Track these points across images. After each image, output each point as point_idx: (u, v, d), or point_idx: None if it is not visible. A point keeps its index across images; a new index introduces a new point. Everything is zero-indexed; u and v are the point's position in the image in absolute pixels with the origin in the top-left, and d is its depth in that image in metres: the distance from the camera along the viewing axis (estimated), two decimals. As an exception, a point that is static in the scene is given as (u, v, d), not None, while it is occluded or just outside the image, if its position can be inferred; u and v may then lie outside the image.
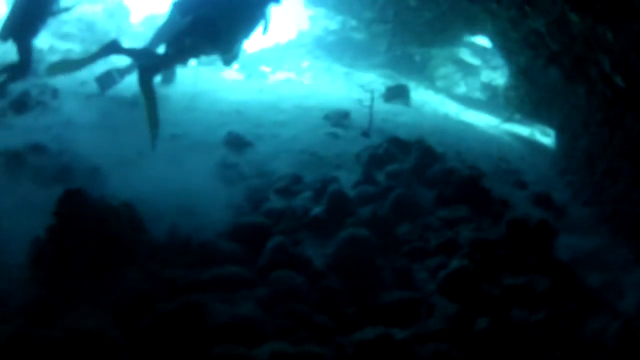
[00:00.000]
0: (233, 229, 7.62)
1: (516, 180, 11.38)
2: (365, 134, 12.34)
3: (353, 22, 21.01)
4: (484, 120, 18.63)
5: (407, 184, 9.68)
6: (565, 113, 12.59)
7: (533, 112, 15.77)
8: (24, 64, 11.65)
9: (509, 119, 18.04)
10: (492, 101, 20.20)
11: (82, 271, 6.00)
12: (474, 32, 18.07)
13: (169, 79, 14.39)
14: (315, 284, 6.54)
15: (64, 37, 17.50)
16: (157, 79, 14.24)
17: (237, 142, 10.79)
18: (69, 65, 12.36)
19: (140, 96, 10.50)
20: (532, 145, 16.53)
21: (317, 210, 8.30)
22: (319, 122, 12.72)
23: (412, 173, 10.27)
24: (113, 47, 11.66)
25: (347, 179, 9.75)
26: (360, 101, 15.10)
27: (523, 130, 18.03)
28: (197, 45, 11.30)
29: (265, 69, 18.68)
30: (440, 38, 18.61)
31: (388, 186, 9.36)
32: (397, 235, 8.17)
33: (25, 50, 11.59)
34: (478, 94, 20.52)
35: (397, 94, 17.00)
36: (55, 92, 11.98)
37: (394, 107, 15.70)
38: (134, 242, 6.71)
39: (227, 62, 12.63)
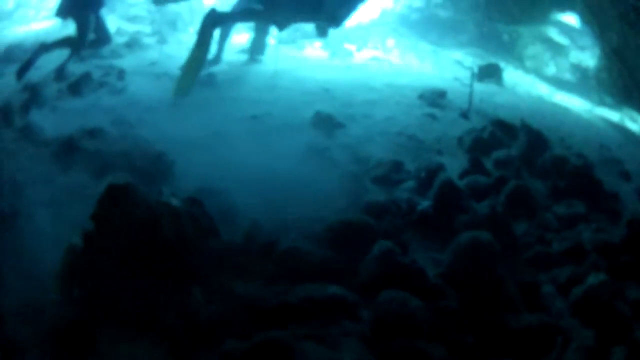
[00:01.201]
0: (327, 230, 6.10)
1: (620, 171, 9.85)
2: (465, 115, 10.83)
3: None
4: (576, 104, 16.83)
5: (517, 173, 8.19)
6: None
7: (626, 96, 14.17)
8: (82, 41, 10.78)
9: (600, 103, 16.26)
10: (582, 83, 18.30)
11: (127, 288, 4.57)
12: (563, 9, 16.27)
13: (257, 55, 13.18)
14: (430, 304, 5.04)
15: (132, 19, 16.28)
16: (245, 56, 13.09)
17: (326, 123, 9.39)
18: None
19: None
20: (625, 132, 14.73)
21: (424, 204, 6.88)
22: (414, 102, 11.26)
23: (522, 161, 8.73)
24: (214, 16, 10.33)
25: (451, 166, 8.30)
26: (457, 80, 13.65)
27: (613, 115, 16.16)
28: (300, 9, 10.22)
29: (350, 47, 17.13)
30: (528, 14, 16.85)
31: (500, 177, 7.86)
32: (516, 237, 6.70)
33: (83, 27, 10.65)
34: (568, 76, 18.64)
35: (489, 73, 15.37)
36: (121, 73, 10.93)
37: (488, 87, 14.07)
38: (199, 249, 5.17)
39: (325, 32, 11.26)
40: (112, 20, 14.19)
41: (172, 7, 16.89)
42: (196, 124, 8.70)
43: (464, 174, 8.13)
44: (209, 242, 5.37)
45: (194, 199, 5.60)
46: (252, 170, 7.13)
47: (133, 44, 13.37)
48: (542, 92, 17.05)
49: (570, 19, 17.75)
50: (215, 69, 11.77)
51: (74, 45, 10.67)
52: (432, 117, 10.47)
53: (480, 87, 13.76)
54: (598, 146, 10.91)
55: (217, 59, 12.20)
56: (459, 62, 14.55)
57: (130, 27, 15.32)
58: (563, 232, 7.14)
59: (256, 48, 13.22)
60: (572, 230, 7.18)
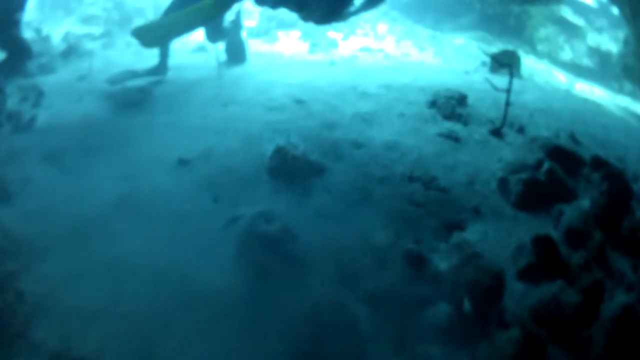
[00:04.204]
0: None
1: None
2: (497, 132, 6.76)
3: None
4: (597, 93, 13.04)
5: (599, 253, 4.34)
6: None
7: None
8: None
9: (620, 91, 13.16)
10: (602, 69, 14.38)
11: None
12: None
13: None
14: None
15: (88, 20, 12.47)
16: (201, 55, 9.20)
17: (293, 170, 5.24)
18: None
19: None
20: None
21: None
22: (424, 112, 7.16)
23: (601, 224, 4.79)
24: None
25: (497, 238, 4.59)
26: (468, 73, 9.66)
27: (634, 105, 12.51)
28: None
29: (335, 35, 12.87)
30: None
31: (587, 286, 3.89)
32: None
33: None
34: (586, 61, 14.65)
35: (505, 62, 11.21)
36: (39, 97, 7.25)
37: (503, 81, 9.99)
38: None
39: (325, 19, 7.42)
40: (67, 24, 11.89)
41: (134, 2, 13.03)
42: (94, 185, 5.12)
43: (525, 272, 4.13)
44: None
45: None
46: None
47: (71, 52, 9.45)
48: (562, 82, 13.11)
49: None
50: (155, 79, 8.01)
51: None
52: (454, 138, 6.39)
53: (499, 81, 9.72)
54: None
55: (161, 68, 8.27)
56: (484, 51, 10.26)
57: (83, 30, 11.42)
58: None
59: (230, 49, 9.35)
60: None
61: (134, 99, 7.11)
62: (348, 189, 4.99)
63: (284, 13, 12.88)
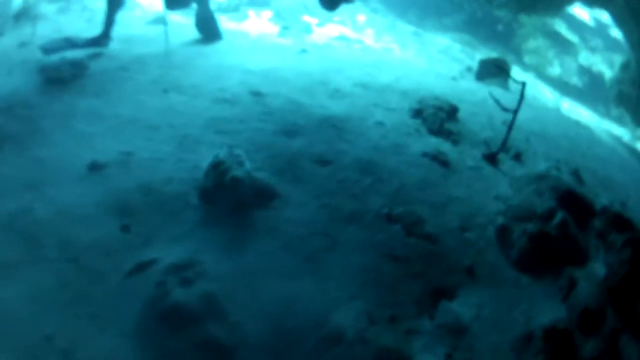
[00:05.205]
0: None
1: None
2: (493, 157, 5.53)
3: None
4: (586, 117, 12.30)
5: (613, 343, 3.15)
6: None
7: None
8: None
9: (607, 115, 12.60)
10: (590, 91, 13.45)
11: None
12: (591, 3, 11.19)
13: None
14: None
15: None
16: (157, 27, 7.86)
17: (230, 197, 3.87)
18: None
19: None
20: None
21: None
22: (406, 123, 5.91)
23: (617, 301, 3.64)
24: None
25: (495, 322, 3.36)
26: (455, 79, 8.49)
27: (619, 131, 11.87)
28: None
29: (310, 20, 11.47)
30: (547, 1, 11.64)
31: None
32: None
33: None
34: (575, 80, 13.61)
35: (493, 71, 10.03)
36: None
37: (498, 93, 8.83)
38: None
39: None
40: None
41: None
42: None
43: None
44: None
45: None
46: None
47: (23, 14, 8.18)
48: (548, 98, 12.15)
49: (583, 13, 12.93)
50: (95, 51, 6.78)
51: None
52: (443, 162, 5.12)
53: (485, 90, 8.55)
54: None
55: (103, 38, 7.04)
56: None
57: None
58: None
59: (200, 24, 8.10)
60: None
61: (65, 75, 5.79)
62: (305, 231, 3.67)
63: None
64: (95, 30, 7.09)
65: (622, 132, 11.85)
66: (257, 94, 5.70)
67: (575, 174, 5.96)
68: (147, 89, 5.66)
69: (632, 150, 10.57)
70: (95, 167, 4.05)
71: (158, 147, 4.39)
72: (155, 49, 7.07)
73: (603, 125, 11.73)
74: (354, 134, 5.24)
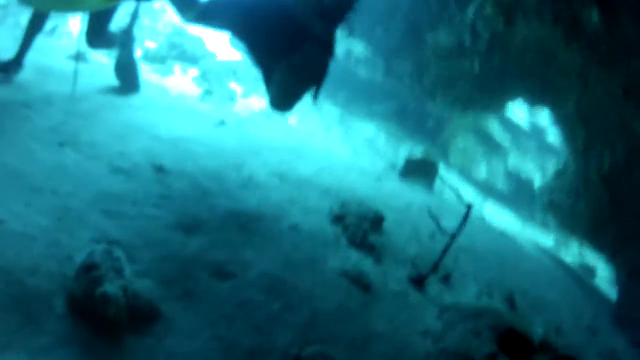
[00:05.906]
0: None
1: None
2: (420, 280, 4.82)
3: (360, 49, 13.21)
4: (509, 222, 12.07)
5: None
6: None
7: (593, 232, 9.49)
8: None
9: (529, 218, 12.55)
10: (514, 196, 13.28)
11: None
12: (535, 101, 10.85)
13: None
14: None
15: None
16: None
17: (99, 314, 2.92)
18: None
19: None
20: (584, 284, 9.95)
21: None
22: (325, 231, 5.11)
23: None
24: None
25: None
26: (380, 180, 7.82)
27: (543, 238, 11.80)
28: None
29: (236, 87, 10.72)
30: (496, 100, 11.32)
31: None
32: None
33: None
34: (500, 184, 13.35)
35: (419, 171, 9.51)
36: None
37: (420, 197, 8.22)
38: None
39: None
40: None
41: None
42: None
43: None
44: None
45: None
46: None
47: None
48: (469, 199, 11.58)
49: (520, 114, 13.87)
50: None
51: None
52: (364, 285, 4.33)
53: (409, 195, 7.91)
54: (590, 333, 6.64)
55: (13, 64, 6.13)
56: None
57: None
58: None
59: (119, 70, 7.18)
60: None
61: None
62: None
63: (191, 44, 10.83)
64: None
65: (546, 239, 11.77)
66: (159, 169, 4.81)
67: (509, 299, 5.42)
68: (43, 137, 4.71)
69: (558, 261, 10.39)
70: None
71: (34, 218, 3.42)
72: (67, 89, 6.13)
73: (527, 230, 11.76)
74: (264, 238, 4.39)
